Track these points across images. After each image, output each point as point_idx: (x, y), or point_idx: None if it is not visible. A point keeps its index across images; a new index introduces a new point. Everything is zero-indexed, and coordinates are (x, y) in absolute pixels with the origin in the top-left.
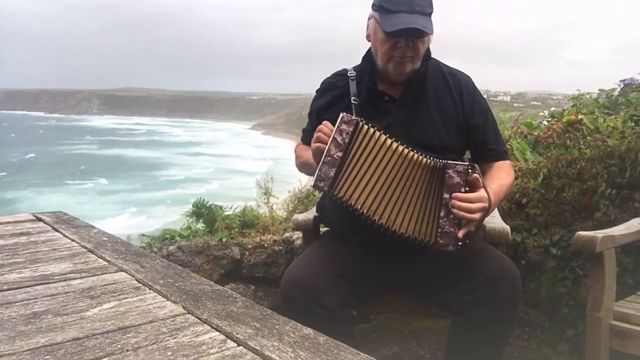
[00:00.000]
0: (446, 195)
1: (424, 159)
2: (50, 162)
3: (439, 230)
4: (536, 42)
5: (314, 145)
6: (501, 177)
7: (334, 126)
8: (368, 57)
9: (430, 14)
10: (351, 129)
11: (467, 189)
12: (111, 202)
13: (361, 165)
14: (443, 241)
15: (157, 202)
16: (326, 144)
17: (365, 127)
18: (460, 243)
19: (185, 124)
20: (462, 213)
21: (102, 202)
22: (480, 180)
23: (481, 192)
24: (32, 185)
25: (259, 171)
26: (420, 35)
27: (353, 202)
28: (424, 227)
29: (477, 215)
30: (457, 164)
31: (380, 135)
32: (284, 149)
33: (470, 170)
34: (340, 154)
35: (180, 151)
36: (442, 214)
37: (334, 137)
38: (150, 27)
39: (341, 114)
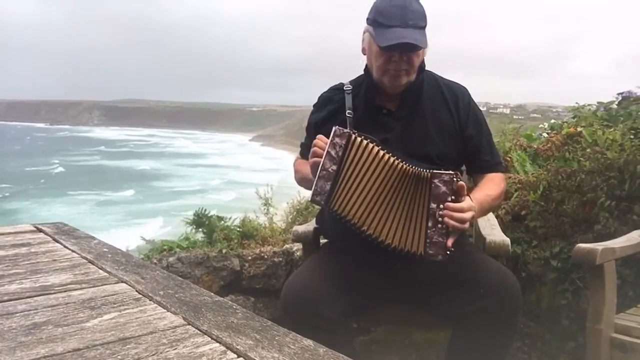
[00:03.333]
0: (433, 205)
1: (410, 169)
2: (77, 173)
3: (428, 240)
4: (537, 55)
5: (310, 160)
6: (489, 187)
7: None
8: (367, 70)
9: (423, 27)
10: (344, 142)
11: (453, 197)
12: (144, 212)
13: (356, 178)
14: (432, 251)
15: (180, 212)
16: (322, 158)
17: (358, 139)
18: (448, 252)
19: (192, 135)
20: (452, 222)
21: (132, 212)
22: (465, 188)
23: (469, 201)
24: (68, 195)
25: (273, 183)
26: (414, 49)
27: (351, 217)
28: (411, 237)
29: (467, 225)
30: (442, 173)
31: (373, 147)
32: (289, 160)
33: (455, 179)
34: (334, 167)
35: (195, 162)
36: (429, 224)
37: (327, 150)
38: (151, 40)
39: (334, 128)
